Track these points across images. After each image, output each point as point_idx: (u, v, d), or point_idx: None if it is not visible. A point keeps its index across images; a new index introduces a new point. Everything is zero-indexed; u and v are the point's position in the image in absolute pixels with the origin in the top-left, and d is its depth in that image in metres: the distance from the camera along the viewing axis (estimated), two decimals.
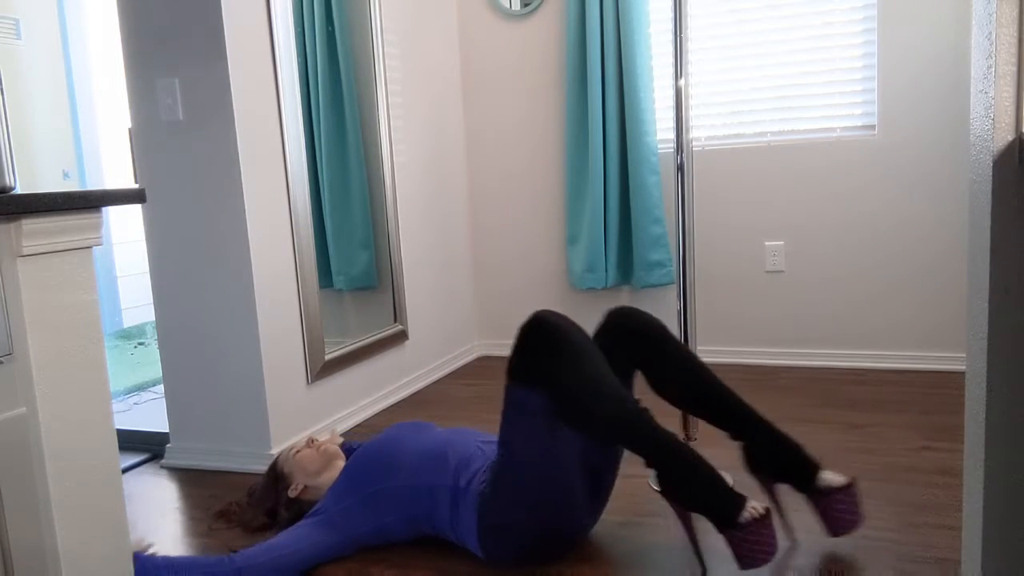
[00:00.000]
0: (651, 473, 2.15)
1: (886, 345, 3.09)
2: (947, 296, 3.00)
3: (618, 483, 2.12)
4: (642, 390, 1.78)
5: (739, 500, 1.54)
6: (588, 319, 3.48)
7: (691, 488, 1.56)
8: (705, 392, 1.78)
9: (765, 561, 1.52)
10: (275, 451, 2.39)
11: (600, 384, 1.58)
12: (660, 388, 1.82)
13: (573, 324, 1.65)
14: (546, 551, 1.71)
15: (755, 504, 1.54)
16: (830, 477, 1.69)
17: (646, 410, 1.59)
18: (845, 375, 3.03)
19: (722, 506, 1.54)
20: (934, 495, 1.94)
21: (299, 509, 1.90)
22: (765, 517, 1.52)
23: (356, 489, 1.77)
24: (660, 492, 1.64)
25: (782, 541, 1.71)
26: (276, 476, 1.94)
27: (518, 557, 1.70)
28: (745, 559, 1.52)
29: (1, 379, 1.22)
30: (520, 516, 1.64)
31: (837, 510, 1.67)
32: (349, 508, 1.76)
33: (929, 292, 3.02)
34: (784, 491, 1.75)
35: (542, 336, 1.58)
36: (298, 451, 1.96)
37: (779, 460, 1.71)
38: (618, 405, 1.57)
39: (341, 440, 2.17)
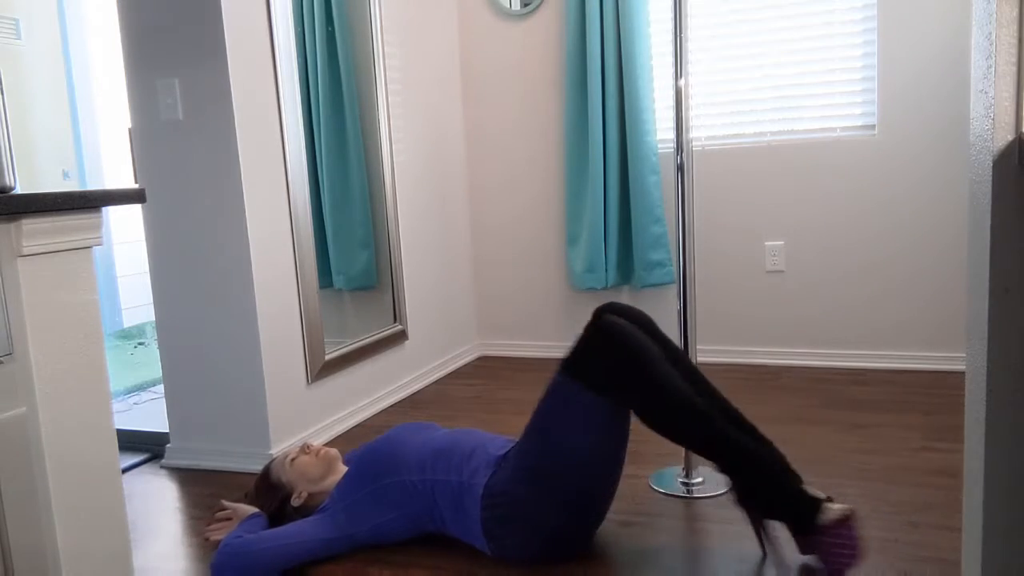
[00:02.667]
0: (650, 474, 2.16)
1: (886, 345, 3.09)
2: (947, 296, 3.00)
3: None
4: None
5: (816, 502, 1.51)
6: (588, 319, 3.49)
7: (764, 495, 1.55)
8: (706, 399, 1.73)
9: (849, 566, 1.49)
10: (275, 451, 2.38)
11: (673, 393, 1.58)
12: None
13: (637, 325, 1.68)
14: (561, 549, 1.70)
15: (835, 506, 1.50)
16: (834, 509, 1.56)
17: (717, 417, 1.59)
18: (845, 375, 3.03)
19: (798, 510, 1.51)
20: (934, 495, 1.94)
21: (307, 515, 1.88)
22: (847, 518, 1.48)
23: (360, 485, 1.77)
24: (735, 501, 1.62)
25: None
26: (272, 485, 1.91)
27: (528, 553, 1.68)
28: (830, 564, 1.49)
29: (1, 379, 1.22)
30: (545, 511, 1.63)
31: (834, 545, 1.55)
32: (353, 504, 1.76)
33: (929, 292, 3.02)
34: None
35: (615, 346, 1.59)
36: (294, 459, 1.92)
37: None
38: (698, 416, 1.57)
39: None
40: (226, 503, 1.92)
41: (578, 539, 1.72)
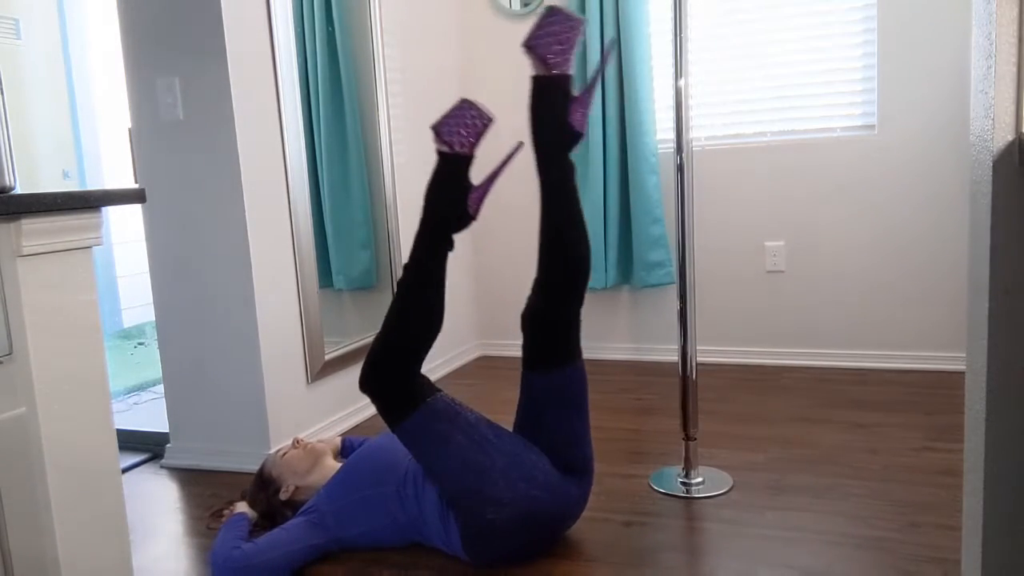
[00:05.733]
0: (650, 474, 2.16)
1: (887, 345, 3.09)
2: (947, 296, 2.99)
3: (618, 483, 2.12)
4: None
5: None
6: (588, 319, 3.48)
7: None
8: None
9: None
10: (270, 453, 2.38)
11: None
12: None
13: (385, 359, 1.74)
14: (534, 539, 1.70)
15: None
16: None
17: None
18: (846, 375, 3.03)
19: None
20: (935, 495, 1.94)
21: (297, 509, 1.90)
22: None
23: (349, 491, 1.77)
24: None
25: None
26: (265, 480, 1.94)
27: (507, 556, 1.69)
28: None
29: (1, 379, 1.22)
30: (491, 516, 1.64)
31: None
32: (341, 510, 1.77)
33: (929, 292, 3.02)
34: None
35: (379, 385, 1.71)
36: (284, 453, 1.96)
37: None
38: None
39: (339, 439, 2.18)
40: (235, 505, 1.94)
41: (550, 519, 1.70)
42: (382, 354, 1.71)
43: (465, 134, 1.71)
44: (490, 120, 1.74)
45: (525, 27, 3.42)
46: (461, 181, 1.74)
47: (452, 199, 1.73)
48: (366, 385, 1.71)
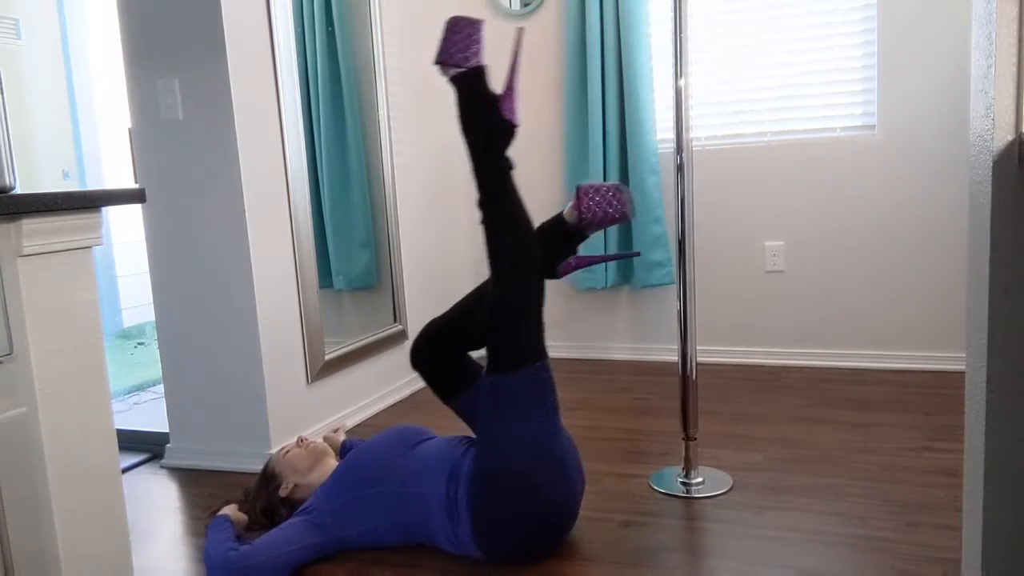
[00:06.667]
0: (650, 474, 2.16)
1: (886, 345, 3.09)
2: (947, 296, 3.00)
3: (618, 483, 2.12)
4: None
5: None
6: (588, 319, 3.49)
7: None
8: None
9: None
10: (275, 451, 2.39)
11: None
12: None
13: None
14: (547, 537, 1.71)
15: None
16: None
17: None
18: (845, 375, 3.03)
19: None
20: (934, 495, 1.94)
21: (294, 507, 1.90)
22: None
23: (346, 491, 1.77)
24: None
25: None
26: (267, 477, 1.94)
27: (519, 548, 1.70)
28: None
29: (1, 379, 1.22)
30: (523, 504, 1.64)
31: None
32: (338, 509, 1.76)
33: (929, 292, 3.02)
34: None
35: (506, 319, 1.74)
36: (288, 451, 1.96)
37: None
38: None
39: (344, 437, 2.18)
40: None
41: (566, 514, 1.72)
42: (509, 280, 1.78)
43: (465, 45, 1.69)
44: (481, 22, 1.72)
45: (525, 27, 3.42)
46: (487, 93, 1.71)
47: (486, 114, 1.70)
48: (492, 314, 1.75)
